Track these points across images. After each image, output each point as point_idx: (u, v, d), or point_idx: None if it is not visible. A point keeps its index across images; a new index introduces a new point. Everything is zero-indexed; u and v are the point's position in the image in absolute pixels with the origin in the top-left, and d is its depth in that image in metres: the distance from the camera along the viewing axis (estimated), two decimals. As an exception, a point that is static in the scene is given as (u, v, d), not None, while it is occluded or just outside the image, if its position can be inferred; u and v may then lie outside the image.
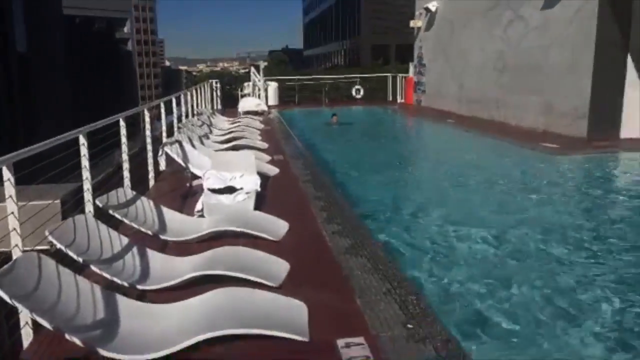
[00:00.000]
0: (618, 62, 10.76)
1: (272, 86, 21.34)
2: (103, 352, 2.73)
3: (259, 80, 20.51)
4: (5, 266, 2.77)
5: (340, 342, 2.98)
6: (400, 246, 5.36)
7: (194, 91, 13.36)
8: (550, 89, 12.20)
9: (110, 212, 4.55)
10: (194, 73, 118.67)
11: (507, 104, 14.12)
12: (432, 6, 18.80)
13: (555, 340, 3.63)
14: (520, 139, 11.58)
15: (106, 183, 5.80)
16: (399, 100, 22.25)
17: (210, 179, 6.11)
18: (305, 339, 3.02)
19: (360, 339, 3.02)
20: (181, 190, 6.78)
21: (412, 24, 20.87)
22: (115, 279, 3.58)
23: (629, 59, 10.73)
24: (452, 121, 15.34)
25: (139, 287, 3.66)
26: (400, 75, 22.32)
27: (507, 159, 10.38)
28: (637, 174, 9.38)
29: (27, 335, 3.06)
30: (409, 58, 22.27)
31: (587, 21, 10.85)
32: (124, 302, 3.24)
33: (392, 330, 3.14)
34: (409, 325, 3.19)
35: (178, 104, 10.05)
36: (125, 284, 3.60)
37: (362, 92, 22.47)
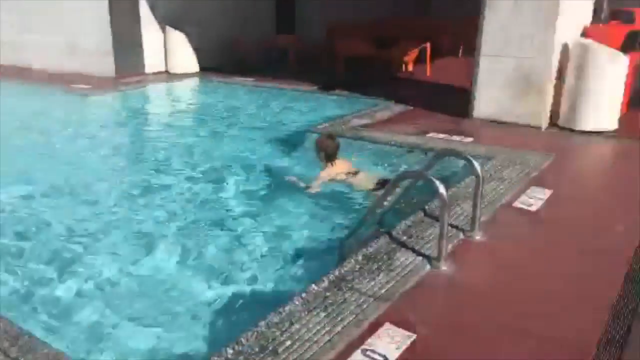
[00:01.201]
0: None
1: None
2: None
3: None
4: None
5: None
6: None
7: None
8: (71, 27, 11.61)
9: None
10: None
11: (25, 46, 12.70)
12: None
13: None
14: (48, 83, 10.79)
15: None
16: None
17: None
18: None
19: None
20: None
21: None
22: None
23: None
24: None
25: None
26: None
27: (35, 107, 9.48)
28: (161, 102, 10.55)
29: None
30: None
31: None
32: None
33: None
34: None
35: None
36: None
37: None
